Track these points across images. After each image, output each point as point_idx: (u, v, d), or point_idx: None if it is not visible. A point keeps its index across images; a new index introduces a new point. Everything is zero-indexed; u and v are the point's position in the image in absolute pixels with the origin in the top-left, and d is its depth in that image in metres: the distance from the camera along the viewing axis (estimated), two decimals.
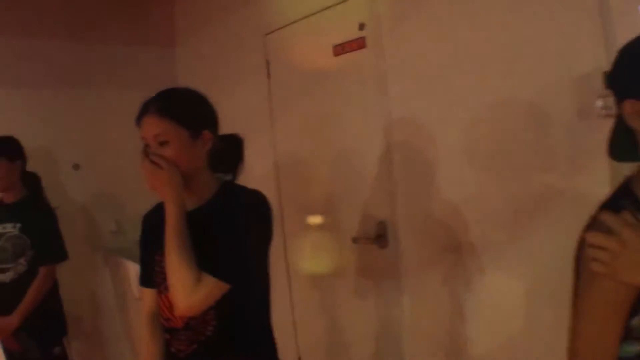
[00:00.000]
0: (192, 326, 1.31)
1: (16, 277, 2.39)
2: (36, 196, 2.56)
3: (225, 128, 3.00)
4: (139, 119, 1.31)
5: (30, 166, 2.58)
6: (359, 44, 2.24)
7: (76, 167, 3.08)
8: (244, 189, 1.40)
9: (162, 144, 1.27)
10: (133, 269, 2.79)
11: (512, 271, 1.79)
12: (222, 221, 1.27)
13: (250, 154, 2.83)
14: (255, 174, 2.78)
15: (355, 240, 2.28)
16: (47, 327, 2.48)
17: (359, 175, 2.34)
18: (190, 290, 1.20)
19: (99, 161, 3.16)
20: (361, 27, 2.22)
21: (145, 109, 1.30)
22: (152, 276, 1.41)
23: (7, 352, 2.43)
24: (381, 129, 2.19)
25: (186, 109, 1.33)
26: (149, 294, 1.45)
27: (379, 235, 2.23)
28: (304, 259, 2.65)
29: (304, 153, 2.62)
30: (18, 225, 2.41)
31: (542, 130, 1.69)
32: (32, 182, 2.59)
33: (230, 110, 2.96)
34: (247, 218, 1.30)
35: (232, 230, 1.26)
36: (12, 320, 2.35)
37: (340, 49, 2.33)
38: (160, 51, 3.48)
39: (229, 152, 1.46)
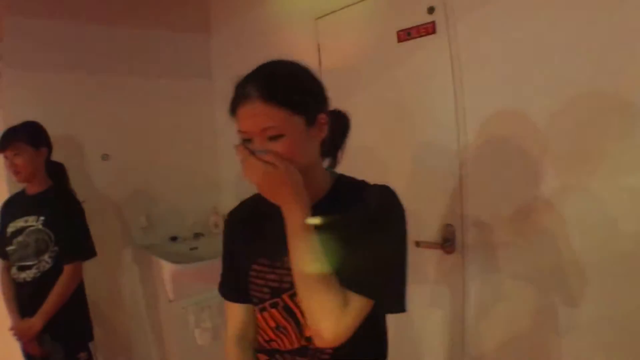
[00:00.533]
0: (311, 348, 1.10)
1: (39, 275, 2.18)
2: (62, 188, 2.35)
3: None
4: (235, 108, 1.04)
5: (55, 156, 2.37)
6: (427, 29, 2.01)
7: (105, 157, 2.86)
8: (366, 183, 1.15)
9: (274, 138, 1.00)
10: (168, 269, 2.58)
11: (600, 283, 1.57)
12: (352, 223, 1.04)
13: None
14: None
15: (418, 244, 2.02)
16: (73, 330, 2.27)
17: (423, 174, 2.09)
18: (338, 316, 0.96)
19: (130, 152, 2.96)
20: (430, 10, 1.99)
21: (245, 94, 1.01)
22: (245, 289, 1.19)
23: (29, 357, 2.23)
24: (451, 123, 1.95)
25: (299, 91, 1.04)
26: (237, 310, 1.23)
27: (445, 240, 1.97)
28: None
29: (360, 148, 2.35)
30: (42, 218, 2.19)
31: (631, 127, 1.50)
32: (57, 172, 2.38)
33: None
34: (386, 219, 1.06)
35: (370, 234, 1.03)
36: (35, 322, 2.14)
37: (405, 35, 2.08)
38: (194, 37, 3.26)
39: (333, 132, 1.15)
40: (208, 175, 3.28)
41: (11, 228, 2.23)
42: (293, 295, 1.09)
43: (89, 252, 2.30)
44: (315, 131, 1.06)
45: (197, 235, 3.16)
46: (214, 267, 2.68)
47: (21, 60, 2.58)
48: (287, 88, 1.02)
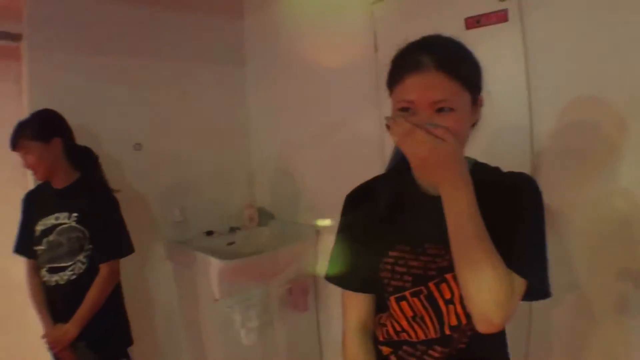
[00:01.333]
0: (454, 337, 1.08)
1: (74, 277, 1.98)
2: (92, 178, 2.14)
3: (323, 108, 2.53)
4: (401, 77, 1.00)
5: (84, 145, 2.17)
6: (499, 16, 1.86)
7: (137, 147, 2.65)
8: (501, 170, 1.13)
9: (443, 111, 0.97)
10: (216, 266, 2.37)
11: None
12: (499, 207, 1.00)
13: (354, 138, 2.42)
14: (360, 160, 2.42)
15: None
16: (111, 335, 2.07)
17: (495, 164, 1.89)
18: (509, 299, 0.92)
19: (162, 141, 2.75)
20: None
21: (418, 63, 0.97)
22: (372, 277, 1.14)
23: None
24: (523, 113, 1.81)
25: (470, 66, 1.03)
26: (362, 300, 1.19)
27: None
28: None
29: None
30: (74, 214, 1.99)
31: None
32: (84, 160, 2.15)
33: (327, 90, 2.59)
34: (535, 206, 1.03)
35: (524, 219, 1.01)
36: (69, 329, 1.95)
37: (474, 22, 1.92)
38: (227, 22, 3.04)
39: None
40: (241, 166, 3.07)
41: (40, 226, 2.02)
42: (439, 283, 1.07)
43: (127, 248, 2.10)
44: (475, 111, 1.05)
45: (233, 230, 2.95)
46: (261, 263, 2.55)
47: (46, 43, 2.36)
48: (461, 61, 1.01)
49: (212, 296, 2.46)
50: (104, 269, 2.01)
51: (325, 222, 2.63)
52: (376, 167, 1.30)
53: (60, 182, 2.05)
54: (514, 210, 1.00)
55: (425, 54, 0.97)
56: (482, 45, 1.80)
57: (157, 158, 2.72)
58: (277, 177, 3.00)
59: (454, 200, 0.95)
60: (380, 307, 1.18)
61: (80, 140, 2.17)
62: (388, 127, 1.01)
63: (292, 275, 2.67)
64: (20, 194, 2.37)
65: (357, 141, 2.45)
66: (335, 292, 1.21)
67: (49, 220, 2.01)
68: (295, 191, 2.87)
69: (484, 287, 0.92)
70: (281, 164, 2.95)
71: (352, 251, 1.18)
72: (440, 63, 0.96)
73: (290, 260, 2.64)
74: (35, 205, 2.09)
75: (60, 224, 1.99)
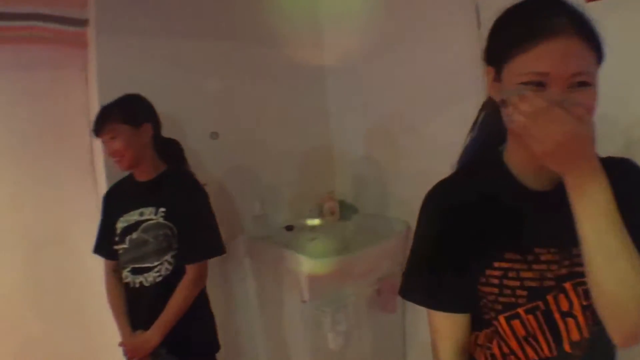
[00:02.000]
0: (574, 355, 0.92)
1: (160, 279, 1.81)
2: (180, 170, 1.96)
3: (421, 90, 2.22)
4: (531, 42, 0.81)
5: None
6: None
7: (214, 135, 2.45)
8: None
9: (582, 86, 0.81)
10: (308, 265, 2.16)
11: None
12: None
13: (451, 122, 2.13)
14: (459, 148, 2.14)
15: None
16: (196, 341, 1.89)
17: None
18: None
19: (240, 130, 2.54)
20: None
21: (554, 28, 0.80)
22: (470, 293, 0.97)
23: None
24: None
25: (600, 37, 0.85)
26: (459, 321, 1.00)
27: None
28: None
29: None
30: (161, 210, 1.81)
31: None
32: (171, 151, 1.99)
33: (422, 69, 2.27)
34: None
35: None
36: (151, 337, 1.77)
37: None
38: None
39: None
40: (321, 155, 2.84)
41: (122, 223, 1.85)
42: (557, 296, 0.91)
43: (217, 248, 1.91)
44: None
45: (313, 224, 2.72)
46: (354, 261, 2.32)
47: (114, 27, 2.18)
48: (597, 31, 0.84)
49: (299, 297, 2.26)
50: (191, 270, 1.82)
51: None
52: None
53: (145, 174, 1.87)
54: (634, 202, 0.87)
55: (563, 17, 0.81)
56: (606, 20, 1.55)
57: (235, 148, 2.52)
58: (362, 166, 2.75)
59: (591, 197, 0.80)
60: (477, 324, 1.01)
61: None
62: (504, 104, 0.85)
63: (381, 274, 2.43)
64: (87, 188, 2.24)
65: (457, 126, 2.19)
66: None
67: (132, 217, 1.83)
68: (383, 182, 2.61)
69: (630, 299, 0.79)
70: (367, 152, 2.70)
71: (444, 263, 0.98)
72: (582, 30, 0.81)
73: (382, 259, 2.41)
74: (115, 201, 1.92)
75: (146, 220, 1.81)
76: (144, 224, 1.81)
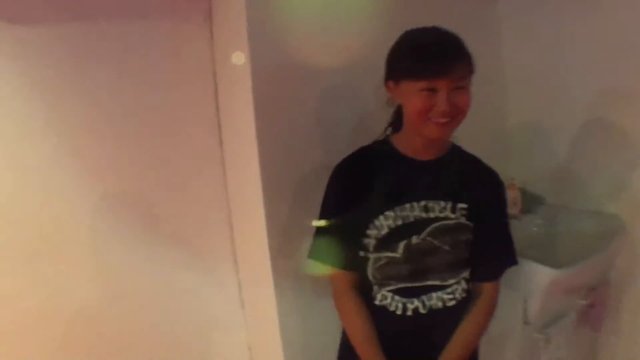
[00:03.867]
0: None
1: (453, 304, 1.26)
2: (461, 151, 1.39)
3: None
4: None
5: None
6: None
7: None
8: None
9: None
10: (545, 276, 1.66)
11: None
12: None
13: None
14: None
15: None
16: None
17: None
18: None
19: None
20: None
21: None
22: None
23: None
24: None
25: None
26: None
27: None
28: None
29: None
30: (461, 206, 1.24)
31: None
32: None
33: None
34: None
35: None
36: None
37: None
38: None
39: None
40: (493, 135, 2.33)
41: (390, 220, 1.24)
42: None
43: (515, 257, 1.37)
44: None
45: None
46: (588, 270, 1.85)
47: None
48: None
49: (519, 317, 1.77)
50: (490, 288, 1.29)
51: None
52: None
53: (433, 150, 1.29)
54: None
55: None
56: None
57: None
58: (547, 147, 2.23)
59: None
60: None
61: None
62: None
63: (592, 283, 1.99)
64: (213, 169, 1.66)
65: None
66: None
67: (413, 212, 1.24)
68: (573, 165, 2.14)
69: None
70: (554, 130, 2.20)
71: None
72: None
73: (606, 265, 1.98)
74: (373, 183, 1.30)
75: (438, 219, 1.24)
76: (436, 224, 1.23)
